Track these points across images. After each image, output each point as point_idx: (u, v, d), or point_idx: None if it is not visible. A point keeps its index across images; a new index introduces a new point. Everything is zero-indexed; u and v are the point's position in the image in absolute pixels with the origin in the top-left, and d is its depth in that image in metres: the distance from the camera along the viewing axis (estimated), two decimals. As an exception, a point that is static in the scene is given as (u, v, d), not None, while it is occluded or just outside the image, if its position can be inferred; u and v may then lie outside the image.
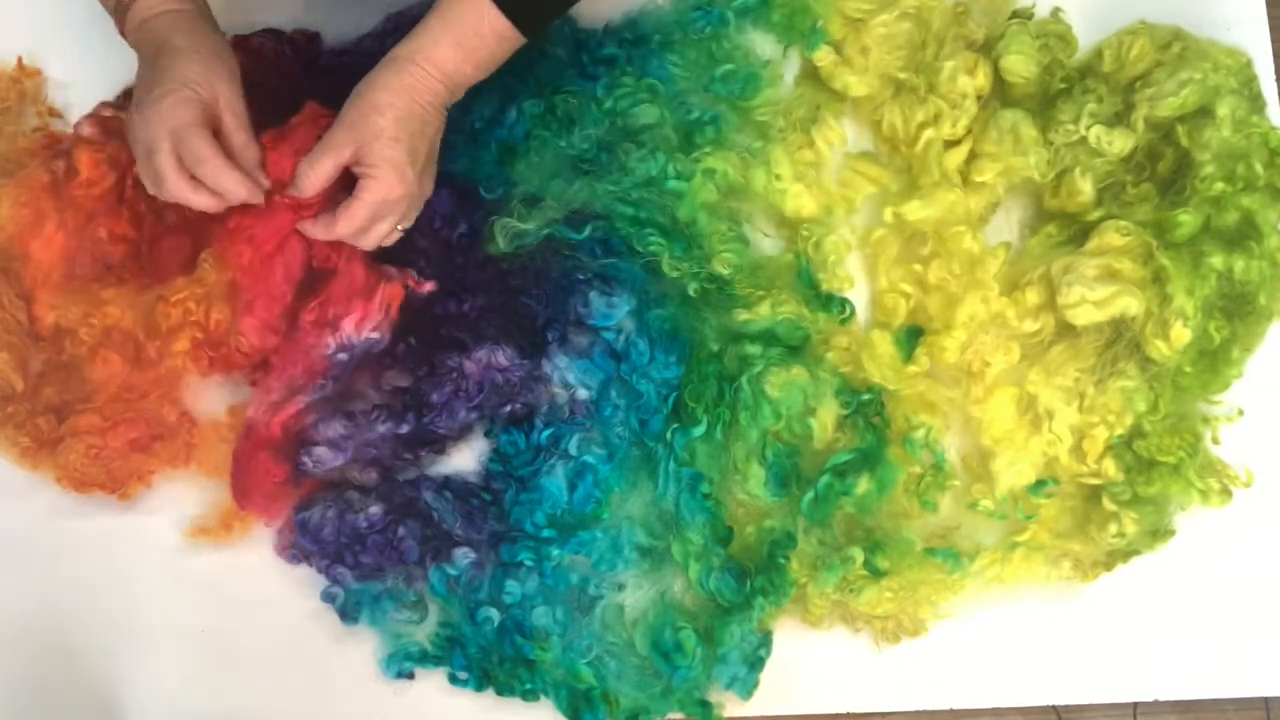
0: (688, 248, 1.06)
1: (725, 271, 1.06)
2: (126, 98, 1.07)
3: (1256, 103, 1.08)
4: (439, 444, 1.06)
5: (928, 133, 1.08)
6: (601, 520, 1.05)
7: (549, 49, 1.12)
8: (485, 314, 1.05)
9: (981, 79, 1.08)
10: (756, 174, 1.09)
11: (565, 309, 1.06)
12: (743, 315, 1.06)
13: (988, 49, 1.10)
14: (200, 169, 0.91)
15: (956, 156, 1.08)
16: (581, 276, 1.06)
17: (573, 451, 1.05)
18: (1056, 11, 1.13)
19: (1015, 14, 1.12)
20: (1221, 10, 1.17)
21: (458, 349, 1.04)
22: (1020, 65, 1.08)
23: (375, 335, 1.00)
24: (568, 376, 1.06)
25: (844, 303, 1.08)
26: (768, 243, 1.12)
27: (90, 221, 1.04)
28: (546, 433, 1.05)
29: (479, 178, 1.08)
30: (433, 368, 1.04)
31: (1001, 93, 1.11)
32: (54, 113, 1.13)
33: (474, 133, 1.09)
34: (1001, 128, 1.07)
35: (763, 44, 1.15)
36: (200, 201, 0.93)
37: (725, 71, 1.11)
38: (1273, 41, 1.18)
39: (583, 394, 1.06)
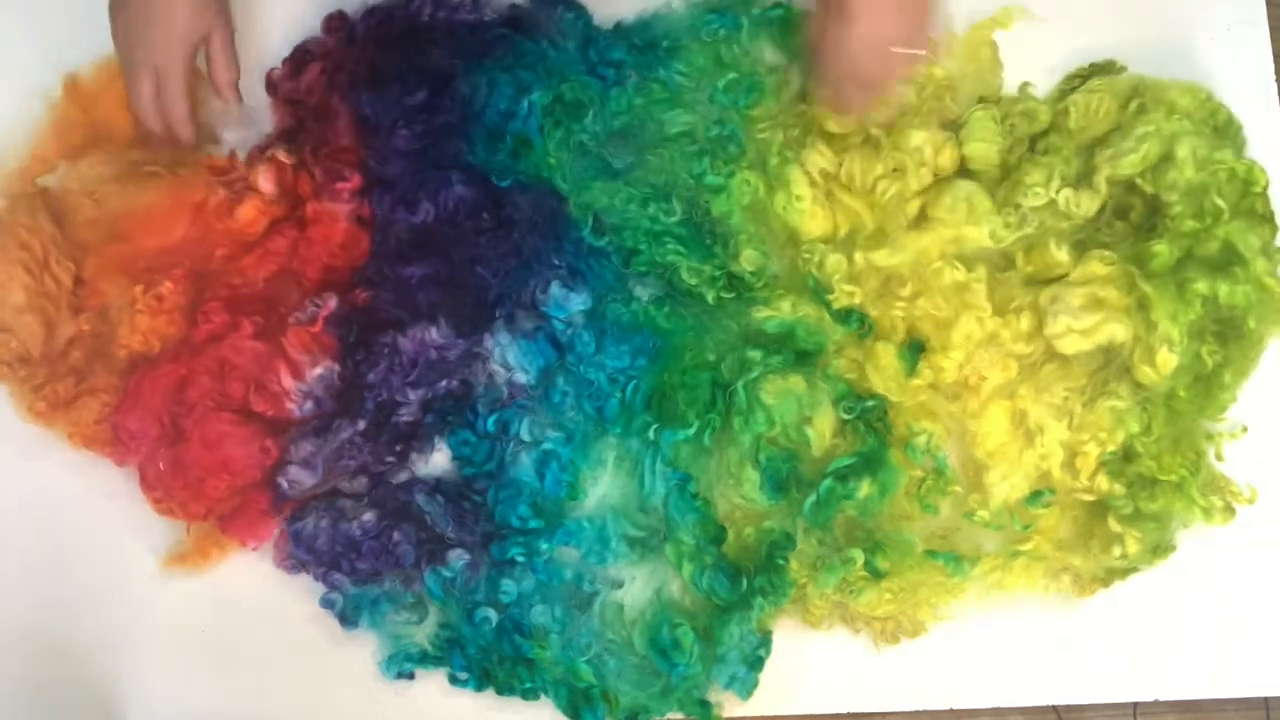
0: (709, 253, 1.06)
1: (750, 269, 1.05)
2: (289, 139, 1.08)
3: (1220, 134, 1.06)
4: (409, 437, 1.05)
5: (886, 185, 1.06)
6: (579, 500, 1.05)
7: (560, 41, 1.11)
8: (426, 284, 1.04)
9: (945, 159, 1.07)
10: (778, 195, 1.08)
11: (521, 289, 1.05)
12: (763, 312, 1.05)
13: (957, 127, 1.09)
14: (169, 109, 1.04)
15: (913, 208, 1.07)
16: (557, 262, 1.06)
17: (525, 437, 1.04)
18: (1025, 86, 1.11)
19: (982, 99, 1.10)
20: (1221, 10, 1.17)
21: (394, 327, 1.04)
22: (982, 152, 1.07)
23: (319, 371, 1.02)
24: (508, 356, 1.05)
25: (863, 318, 1.07)
26: (773, 263, 1.10)
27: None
28: (491, 419, 1.05)
29: (492, 169, 1.07)
30: (369, 350, 1.03)
31: (962, 165, 1.09)
32: None
33: (491, 126, 1.08)
34: (956, 195, 1.06)
35: (772, 56, 1.13)
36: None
37: (729, 80, 1.10)
38: (1273, 42, 1.18)
39: (520, 377, 1.06)
